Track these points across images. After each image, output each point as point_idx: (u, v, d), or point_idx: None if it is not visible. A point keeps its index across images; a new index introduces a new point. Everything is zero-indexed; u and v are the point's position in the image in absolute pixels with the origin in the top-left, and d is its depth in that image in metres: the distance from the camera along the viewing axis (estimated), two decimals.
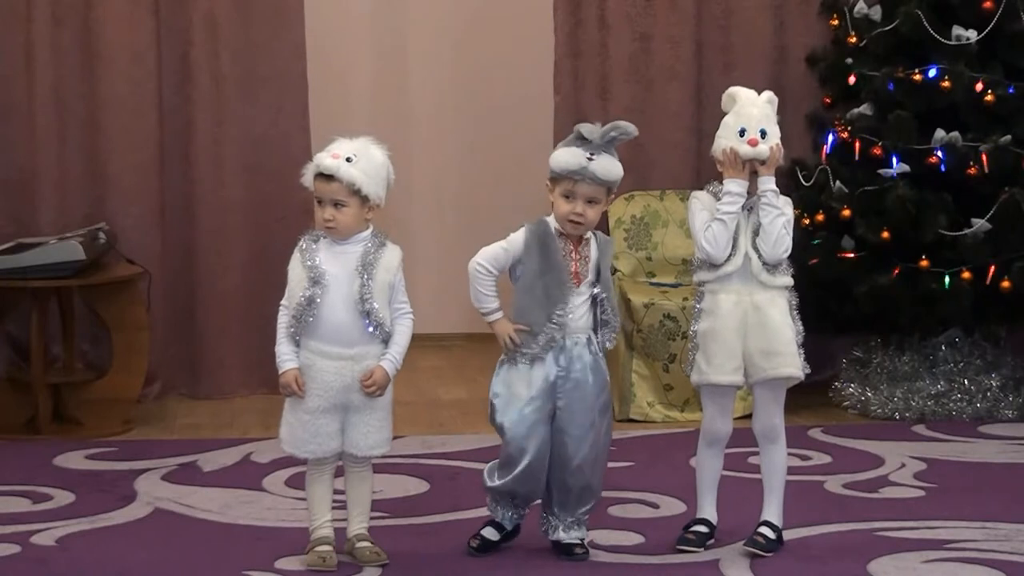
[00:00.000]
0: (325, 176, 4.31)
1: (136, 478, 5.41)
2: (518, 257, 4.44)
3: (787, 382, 4.54)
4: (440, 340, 7.79)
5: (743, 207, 4.47)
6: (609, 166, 4.40)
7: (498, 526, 4.57)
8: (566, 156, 4.41)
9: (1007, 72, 6.32)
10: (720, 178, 4.52)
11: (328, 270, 4.32)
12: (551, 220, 4.45)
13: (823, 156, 6.57)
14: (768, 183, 4.47)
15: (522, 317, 4.42)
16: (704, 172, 6.47)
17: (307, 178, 4.37)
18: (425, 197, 8.04)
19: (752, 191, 4.48)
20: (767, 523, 4.56)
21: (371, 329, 4.33)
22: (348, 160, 4.30)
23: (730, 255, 4.47)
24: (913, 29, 6.31)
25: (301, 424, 4.37)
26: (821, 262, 6.30)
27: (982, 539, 4.69)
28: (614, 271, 6.71)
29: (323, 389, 4.34)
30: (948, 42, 6.27)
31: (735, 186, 4.46)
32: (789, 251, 4.49)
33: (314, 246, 4.37)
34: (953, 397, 6.37)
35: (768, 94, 4.55)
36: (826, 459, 5.71)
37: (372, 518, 4.57)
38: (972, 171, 6.18)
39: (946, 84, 6.22)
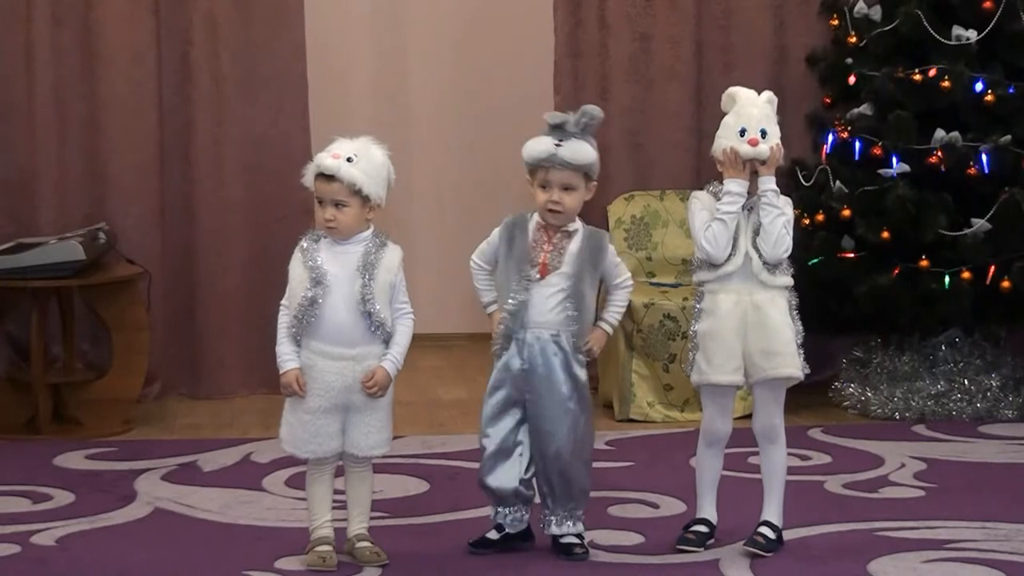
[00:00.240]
0: (326, 176, 4.32)
1: (136, 478, 5.41)
2: (497, 249, 4.51)
3: (787, 382, 4.54)
4: (440, 340, 7.79)
5: (743, 207, 4.47)
6: (577, 149, 4.40)
7: (499, 526, 4.57)
8: (535, 146, 4.45)
9: (1007, 72, 6.32)
10: (720, 178, 4.52)
11: (329, 270, 4.32)
12: (536, 215, 4.48)
13: (823, 156, 6.57)
14: (768, 183, 4.47)
15: (500, 308, 4.50)
16: (704, 172, 6.47)
17: (308, 178, 4.37)
18: (425, 197, 8.04)
19: (752, 191, 4.48)
20: (767, 523, 4.56)
21: (372, 329, 4.33)
22: (348, 160, 4.30)
23: (730, 255, 4.47)
24: (913, 29, 6.31)
25: (302, 424, 4.37)
26: (821, 262, 6.30)
27: (982, 539, 4.69)
28: None
29: (324, 389, 4.34)
30: (948, 42, 6.27)
31: (735, 186, 4.46)
32: (789, 251, 4.49)
33: (315, 246, 4.37)
34: (953, 397, 6.37)
35: (768, 94, 4.55)
36: (826, 459, 5.71)
37: (372, 518, 4.57)
38: (972, 171, 6.18)
39: (946, 84, 6.22)
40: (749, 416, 4.70)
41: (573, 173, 4.41)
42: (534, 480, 4.51)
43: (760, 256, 4.46)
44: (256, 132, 6.83)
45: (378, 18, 8.13)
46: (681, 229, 6.67)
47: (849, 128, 6.51)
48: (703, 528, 4.60)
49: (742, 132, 4.46)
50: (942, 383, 6.39)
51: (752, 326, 4.47)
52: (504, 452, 4.49)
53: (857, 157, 6.43)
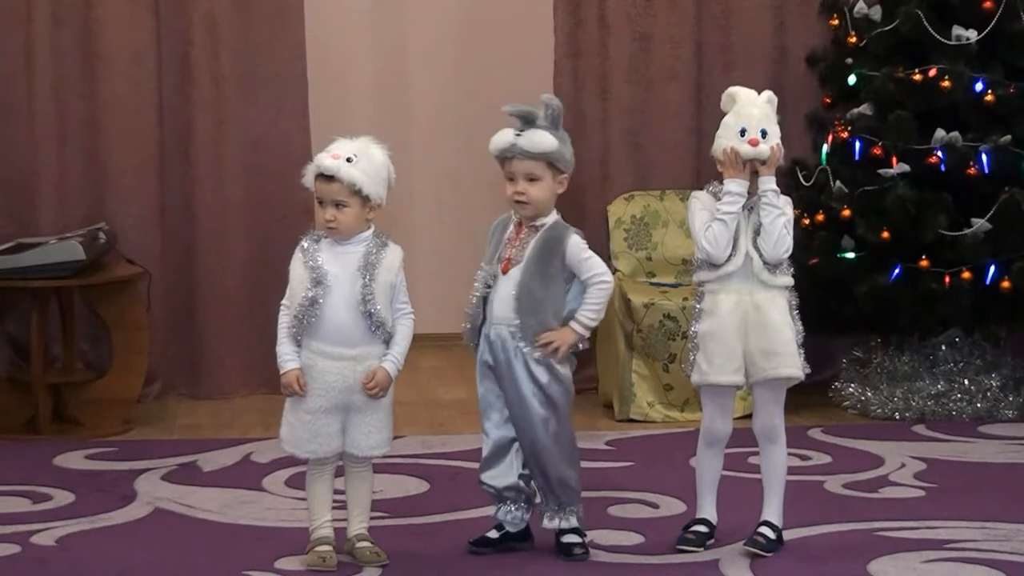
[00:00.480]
0: (326, 177, 4.32)
1: (136, 478, 5.41)
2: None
3: (787, 382, 4.54)
4: (440, 340, 7.77)
5: (743, 207, 4.47)
6: (535, 138, 4.41)
7: (500, 525, 4.58)
8: (497, 138, 4.49)
9: (1007, 72, 6.32)
10: (720, 178, 4.52)
11: (330, 270, 4.32)
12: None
13: (823, 156, 6.57)
14: (768, 183, 4.47)
15: None
16: (704, 172, 6.47)
17: (308, 179, 4.37)
18: (425, 197, 8.03)
19: (752, 191, 4.48)
20: (767, 523, 4.56)
21: (373, 330, 4.33)
22: (348, 160, 4.30)
23: (730, 255, 4.47)
24: (913, 29, 6.31)
25: (302, 424, 4.37)
26: (821, 262, 6.30)
27: (982, 539, 4.69)
28: (614, 271, 6.72)
29: (325, 389, 4.34)
30: (948, 42, 6.27)
31: (735, 186, 4.46)
32: (790, 251, 4.49)
33: (316, 246, 4.37)
34: (953, 397, 6.37)
35: (768, 94, 4.55)
36: (826, 459, 5.71)
37: (372, 518, 4.57)
38: (972, 171, 6.18)
39: (946, 84, 6.22)
40: (749, 416, 4.70)
41: (535, 163, 4.40)
42: None
43: (760, 256, 4.46)
44: (256, 132, 6.83)
45: (378, 18, 8.12)
46: (681, 229, 6.67)
47: (849, 128, 6.52)
48: (703, 528, 4.60)
49: (742, 132, 4.46)
50: (942, 383, 6.39)
51: (752, 326, 4.47)
52: (500, 448, 4.50)
53: (857, 157, 6.43)
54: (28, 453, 5.80)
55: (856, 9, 6.61)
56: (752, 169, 4.47)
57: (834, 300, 6.31)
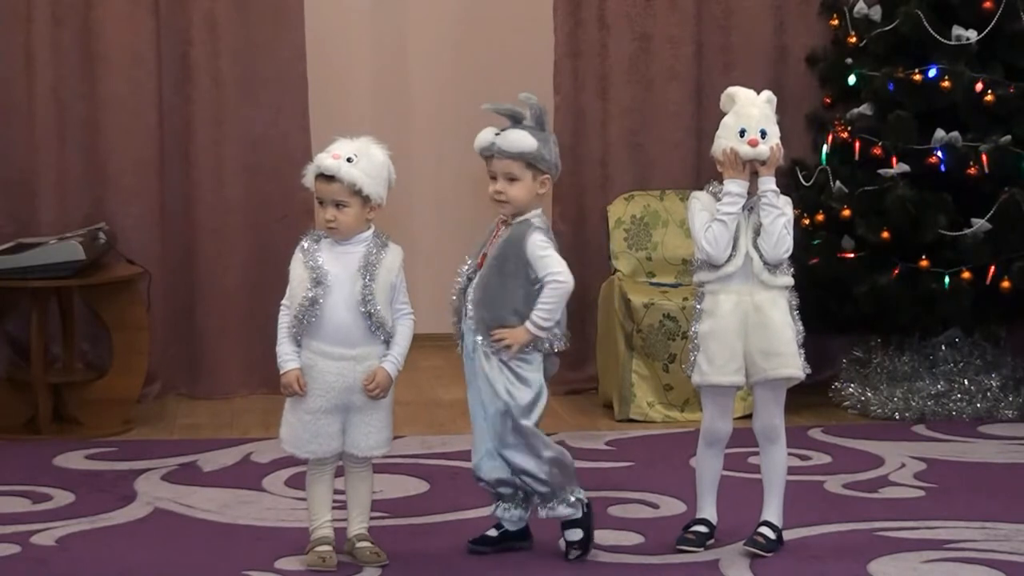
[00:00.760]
0: (326, 177, 4.32)
1: (136, 478, 5.41)
2: None
3: (787, 382, 4.54)
4: (440, 340, 7.74)
5: (743, 207, 4.47)
6: (513, 138, 4.40)
7: (499, 524, 4.58)
8: (479, 137, 4.48)
9: (1007, 72, 6.32)
10: (720, 178, 4.52)
11: (330, 271, 4.32)
12: None
13: (823, 156, 6.57)
14: (768, 183, 4.47)
15: None
16: (704, 172, 6.47)
17: (308, 179, 4.37)
18: (425, 197, 8.03)
19: (752, 191, 4.48)
20: (767, 523, 4.56)
21: (373, 330, 4.33)
22: (349, 160, 4.30)
23: (731, 255, 4.47)
24: (913, 29, 6.31)
25: (302, 424, 4.37)
26: (821, 262, 6.30)
27: (982, 539, 4.69)
28: (613, 271, 6.72)
29: (325, 390, 4.34)
30: (948, 42, 6.27)
31: (735, 186, 4.46)
32: (790, 251, 4.49)
33: (316, 246, 4.37)
34: (953, 397, 6.37)
35: (767, 94, 4.55)
36: (826, 459, 5.71)
37: (372, 518, 4.57)
38: (972, 171, 6.18)
39: (946, 84, 6.22)
40: (749, 416, 4.70)
41: (513, 162, 4.40)
42: None
43: (761, 256, 4.46)
44: (256, 132, 6.83)
45: (378, 18, 8.12)
46: (681, 229, 6.67)
47: (849, 128, 6.51)
48: (703, 528, 4.60)
49: (742, 132, 4.46)
50: (942, 383, 6.39)
51: (753, 326, 4.46)
52: (482, 443, 4.50)
53: (857, 157, 6.43)
54: (28, 453, 5.80)
55: (856, 9, 6.61)
56: (752, 169, 4.47)
57: (834, 300, 6.31)
